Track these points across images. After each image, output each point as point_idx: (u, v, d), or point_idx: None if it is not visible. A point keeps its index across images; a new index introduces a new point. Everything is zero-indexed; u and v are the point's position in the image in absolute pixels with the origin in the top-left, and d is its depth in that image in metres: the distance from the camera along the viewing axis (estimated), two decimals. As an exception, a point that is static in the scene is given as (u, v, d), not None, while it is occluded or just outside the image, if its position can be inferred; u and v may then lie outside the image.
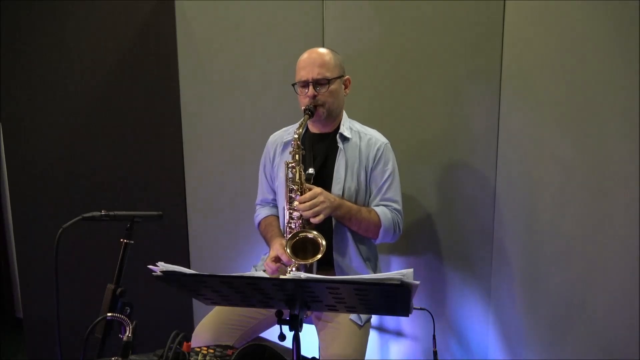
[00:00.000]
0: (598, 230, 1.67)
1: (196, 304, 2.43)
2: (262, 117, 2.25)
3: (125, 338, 1.17)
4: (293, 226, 1.66)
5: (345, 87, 1.78)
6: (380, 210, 1.72)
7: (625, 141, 1.55)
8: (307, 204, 1.58)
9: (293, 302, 1.14)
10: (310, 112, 1.67)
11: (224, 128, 2.33)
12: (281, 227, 1.81)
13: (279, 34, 2.21)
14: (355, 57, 2.09)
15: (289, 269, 1.58)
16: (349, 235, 1.73)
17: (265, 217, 1.88)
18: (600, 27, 1.60)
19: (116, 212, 1.37)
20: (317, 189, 1.61)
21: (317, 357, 1.64)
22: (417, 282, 0.99)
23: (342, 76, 1.75)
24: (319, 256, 1.55)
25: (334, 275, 1.72)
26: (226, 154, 2.35)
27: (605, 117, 1.60)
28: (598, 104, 1.62)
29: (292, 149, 1.66)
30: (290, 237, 1.61)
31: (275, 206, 1.89)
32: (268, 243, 1.80)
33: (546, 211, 1.82)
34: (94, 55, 2.30)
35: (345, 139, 1.76)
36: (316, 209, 1.57)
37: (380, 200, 1.75)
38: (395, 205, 1.75)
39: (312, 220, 1.59)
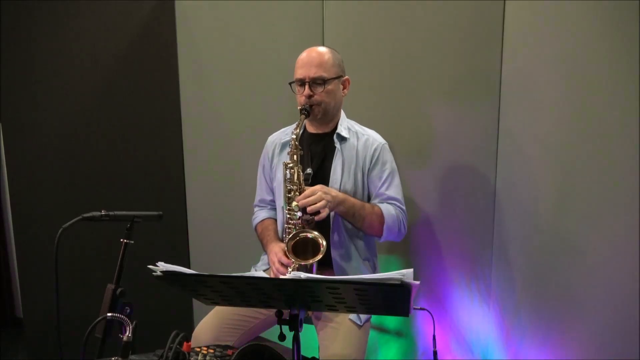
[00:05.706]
0: (598, 229, 1.67)
1: (196, 304, 2.43)
2: (262, 118, 2.25)
3: (125, 338, 1.17)
4: (292, 226, 1.65)
5: (344, 88, 1.77)
6: (384, 207, 1.71)
7: (625, 141, 1.55)
8: (306, 200, 1.55)
9: (293, 302, 1.14)
10: (306, 111, 1.67)
11: (224, 128, 2.33)
12: (280, 227, 1.81)
13: (279, 34, 2.21)
14: (355, 57, 2.08)
15: (289, 269, 1.58)
16: (346, 235, 1.73)
17: (262, 221, 1.88)
18: (600, 27, 1.60)
19: (116, 212, 1.38)
20: (317, 186, 1.61)
21: (317, 357, 1.64)
22: (417, 282, 0.99)
23: (341, 76, 1.74)
24: (319, 256, 1.55)
25: (333, 275, 1.72)
26: (226, 153, 2.35)
27: (605, 117, 1.60)
28: (598, 104, 1.62)
29: (290, 150, 1.66)
30: (290, 238, 1.60)
31: (274, 208, 1.89)
32: (264, 247, 1.80)
33: (546, 211, 1.82)
34: (94, 55, 2.30)
35: (342, 139, 1.76)
36: (317, 204, 1.54)
37: (382, 200, 1.75)
38: (397, 204, 1.75)
39: (316, 217, 1.56)
